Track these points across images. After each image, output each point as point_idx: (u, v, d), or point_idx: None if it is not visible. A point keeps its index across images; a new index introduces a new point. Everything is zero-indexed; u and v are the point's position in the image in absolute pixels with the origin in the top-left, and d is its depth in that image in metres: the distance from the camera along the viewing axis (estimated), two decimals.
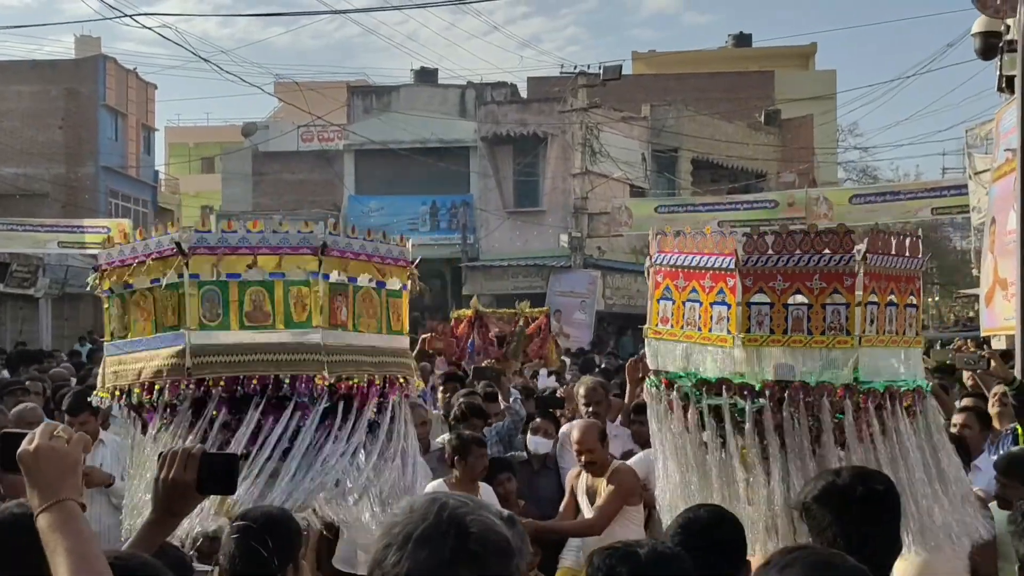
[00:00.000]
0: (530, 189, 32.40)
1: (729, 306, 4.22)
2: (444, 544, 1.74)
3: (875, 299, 4.21)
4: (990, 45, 13.43)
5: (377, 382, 4.26)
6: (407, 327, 4.65)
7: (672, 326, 4.50)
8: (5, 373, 14.36)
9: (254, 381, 3.95)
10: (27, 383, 10.14)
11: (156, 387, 4.00)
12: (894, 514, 3.30)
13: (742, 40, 48.35)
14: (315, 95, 30.94)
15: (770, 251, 4.17)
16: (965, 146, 23.00)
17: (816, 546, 2.96)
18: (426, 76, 36.80)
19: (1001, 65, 13.36)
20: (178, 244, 3.98)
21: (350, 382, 4.13)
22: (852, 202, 26.56)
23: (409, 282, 4.55)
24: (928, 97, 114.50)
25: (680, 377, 4.39)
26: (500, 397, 8.96)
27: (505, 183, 32.39)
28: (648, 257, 4.66)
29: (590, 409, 7.79)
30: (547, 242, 31.23)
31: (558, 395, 9.81)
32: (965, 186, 21.67)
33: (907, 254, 4.35)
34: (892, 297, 4.29)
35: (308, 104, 29.54)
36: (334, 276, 4.15)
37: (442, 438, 7.90)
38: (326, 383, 4.04)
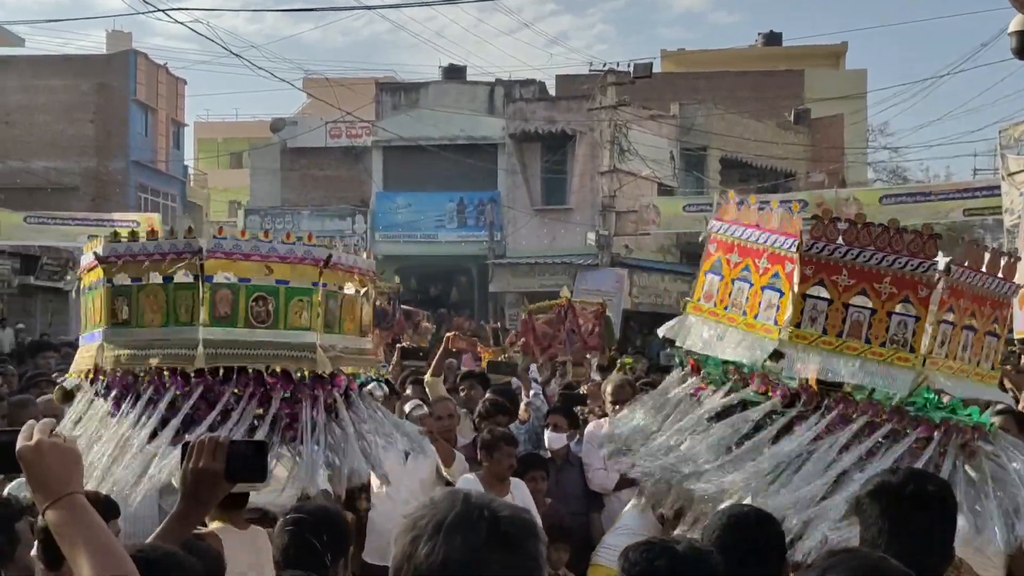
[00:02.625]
0: (558, 187, 32.34)
1: (782, 293, 3.86)
2: (478, 528, 1.74)
3: (951, 318, 3.84)
4: None
5: (348, 372, 4.64)
6: (372, 327, 5.11)
7: (715, 304, 4.13)
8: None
9: (268, 374, 4.30)
10: (53, 375, 10.19)
11: (165, 372, 4.30)
12: (944, 519, 3.17)
13: (772, 39, 48.05)
14: (344, 91, 31.01)
15: (840, 240, 3.81)
16: (998, 147, 22.75)
17: (862, 549, 2.91)
18: (454, 73, 36.79)
19: None
20: (200, 248, 4.32)
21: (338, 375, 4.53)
22: (882, 202, 26.34)
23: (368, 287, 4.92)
24: (961, 97, 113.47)
25: (708, 362, 4.14)
26: (523, 392, 8.92)
27: (533, 180, 32.34)
28: (786, 237, 4.19)
29: (616, 408, 7.74)
30: (574, 240, 31.16)
31: (581, 392, 9.76)
32: (998, 187, 21.45)
33: (1000, 275, 3.94)
34: (972, 321, 3.90)
35: (337, 100, 29.59)
36: (329, 287, 4.55)
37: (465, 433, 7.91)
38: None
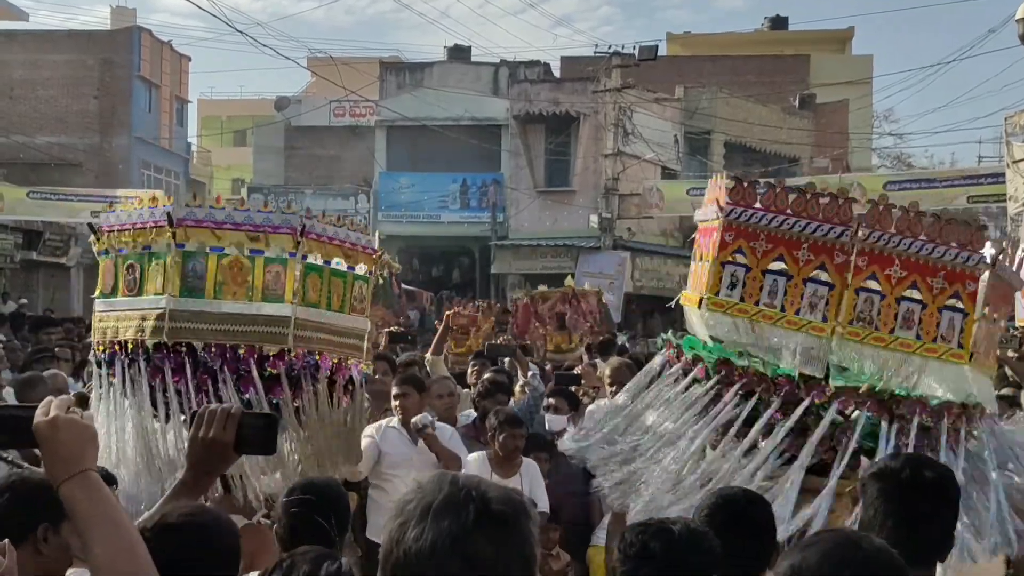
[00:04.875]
0: (561, 169, 32.29)
1: (832, 286, 3.71)
2: (466, 510, 1.72)
3: (874, 287, 3.78)
4: None
5: (334, 360, 4.52)
6: (368, 311, 4.87)
7: (744, 299, 3.88)
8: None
9: (239, 349, 4.21)
10: (56, 350, 10.20)
11: (129, 345, 4.26)
12: (942, 505, 3.16)
13: (778, 23, 47.87)
14: (348, 70, 30.92)
15: (758, 205, 3.75)
16: (1004, 134, 22.71)
17: (845, 529, 2.94)
18: (459, 53, 36.69)
19: None
20: (168, 215, 4.19)
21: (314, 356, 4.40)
22: (887, 189, 26.30)
23: (374, 268, 4.83)
24: (966, 84, 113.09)
25: (757, 360, 3.91)
26: (520, 373, 8.95)
27: (536, 162, 32.30)
28: (716, 207, 4.01)
29: (613, 389, 7.76)
30: (577, 222, 31.14)
31: (576, 372, 9.77)
32: (1002, 174, 21.44)
33: (930, 237, 3.77)
34: (913, 292, 3.82)
35: (341, 79, 29.53)
36: (311, 257, 4.40)
37: (466, 413, 7.92)
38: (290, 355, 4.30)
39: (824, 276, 3.75)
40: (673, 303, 4.41)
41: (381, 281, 14.56)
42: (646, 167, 31.31)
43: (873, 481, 3.17)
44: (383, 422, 6.98)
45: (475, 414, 7.78)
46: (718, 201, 3.79)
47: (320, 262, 4.42)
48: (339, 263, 4.54)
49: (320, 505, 3.56)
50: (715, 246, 3.78)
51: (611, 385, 7.81)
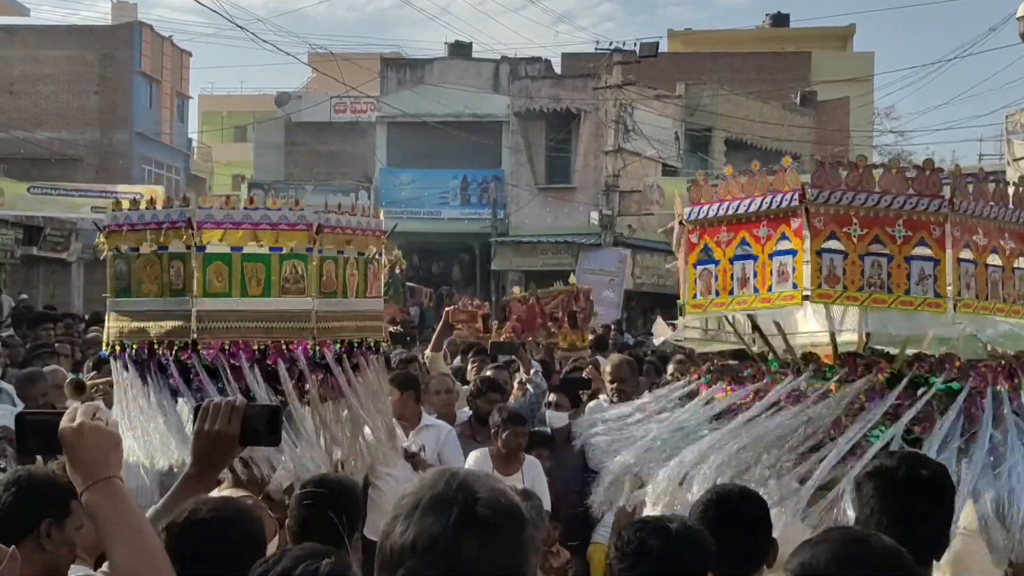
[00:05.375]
0: (562, 165, 32.29)
1: (795, 253, 3.61)
2: (451, 510, 1.69)
3: (970, 256, 3.72)
4: None
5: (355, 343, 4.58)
6: (382, 291, 4.93)
7: (717, 293, 3.84)
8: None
9: (255, 347, 4.24)
10: (56, 345, 10.20)
11: (159, 347, 4.27)
12: (937, 503, 3.15)
13: (779, 20, 47.85)
14: (349, 66, 30.91)
15: (844, 186, 3.60)
16: (1004, 132, 22.73)
17: (854, 527, 2.93)
18: (460, 49, 36.69)
19: None
20: (189, 219, 4.22)
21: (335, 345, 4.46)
22: None
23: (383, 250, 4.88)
24: (967, 82, 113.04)
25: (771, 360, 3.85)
26: (522, 370, 8.94)
27: (537, 159, 32.29)
28: (675, 218, 3.98)
29: (615, 386, 7.76)
30: (577, 219, 31.14)
31: (585, 376, 9.77)
32: (1003, 172, 21.42)
33: (1009, 203, 3.81)
34: (994, 258, 3.80)
35: (342, 75, 29.52)
36: (327, 251, 4.44)
37: (465, 410, 7.91)
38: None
39: (926, 251, 3.63)
40: (680, 313, 4.25)
41: (391, 279, 14.61)
42: (647, 164, 31.30)
43: (869, 480, 3.15)
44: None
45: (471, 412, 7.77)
46: (803, 188, 3.61)
47: (335, 253, 4.47)
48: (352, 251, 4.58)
49: (333, 501, 3.56)
50: (800, 235, 3.59)
51: (612, 382, 7.83)
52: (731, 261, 3.78)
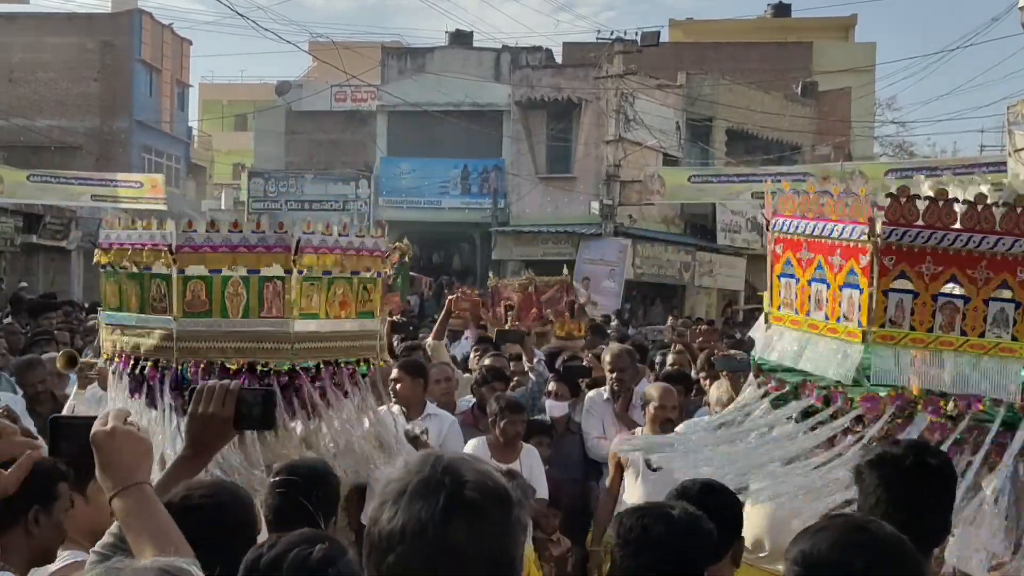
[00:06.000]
0: (562, 155, 32.23)
1: (861, 290, 3.44)
2: (438, 494, 1.68)
3: None
4: None
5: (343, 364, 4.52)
6: (377, 309, 4.84)
7: (796, 311, 3.72)
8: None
9: (231, 366, 4.22)
10: (55, 332, 10.20)
11: (148, 364, 4.32)
12: (945, 493, 3.14)
13: (781, 10, 47.70)
14: (350, 55, 30.84)
15: (920, 222, 3.41)
16: (1006, 123, 22.65)
17: (855, 514, 2.92)
18: (461, 38, 36.57)
19: None
20: (168, 246, 4.26)
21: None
22: (887, 177, 26.28)
23: (384, 269, 4.81)
24: (969, 72, 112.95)
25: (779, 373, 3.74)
26: (525, 359, 8.94)
27: (538, 148, 32.24)
28: (764, 219, 3.89)
29: (615, 375, 7.77)
30: (578, 209, 31.10)
31: (585, 364, 9.77)
32: (1004, 163, 21.39)
33: None
34: None
35: (343, 64, 29.46)
36: (307, 272, 4.37)
37: (466, 399, 7.91)
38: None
39: (1007, 293, 3.49)
40: (765, 321, 4.06)
41: (399, 268, 14.63)
42: (648, 154, 31.25)
43: (872, 468, 3.12)
44: (383, 408, 6.98)
45: (474, 400, 7.77)
46: (872, 223, 3.44)
47: (318, 274, 4.42)
48: (341, 271, 4.53)
49: (305, 487, 3.54)
50: (867, 272, 3.45)
51: (612, 371, 7.84)
52: (809, 283, 3.66)
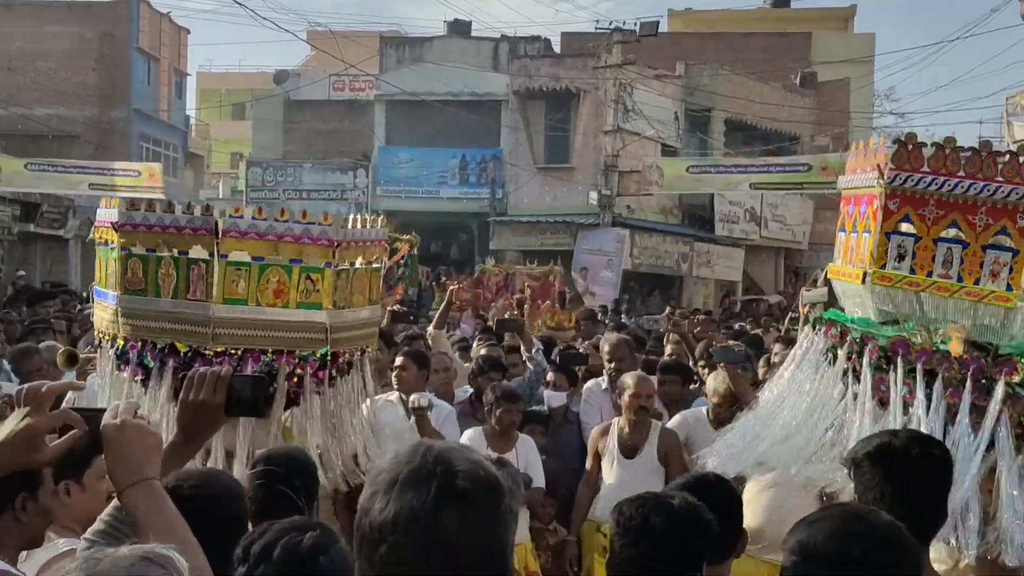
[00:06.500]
0: (561, 145, 32.20)
1: (1016, 252, 3.47)
2: (430, 484, 1.67)
3: None
4: None
5: (357, 353, 4.55)
6: (380, 296, 4.90)
7: (844, 262, 3.76)
8: None
9: (267, 353, 4.23)
10: (52, 321, 10.18)
11: (104, 338, 4.38)
12: (945, 483, 3.11)
13: (780, 0, 47.66)
14: (348, 44, 30.78)
15: (925, 168, 3.48)
16: (1004, 114, 22.64)
17: (852, 503, 2.90)
18: (459, 28, 36.50)
19: None
20: (113, 224, 4.25)
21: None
22: None
23: (385, 258, 4.89)
24: (968, 63, 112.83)
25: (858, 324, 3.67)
26: (523, 348, 8.95)
27: (536, 138, 32.20)
28: (875, 172, 3.79)
29: (613, 365, 7.77)
30: (576, 199, 31.08)
31: (582, 351, 9.78)
32: None
33: None
34: None
35: (341, 53, 29.41)
36: (341, 264, 4.39)
37: (464, 388, 7.92)
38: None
39: (1007, 242, 3.53)
40: (821, 278, 4.18)
41: (407, 260, 14.71)
42: (646, 144, 31.23)
43: (874, 463, 3.07)
44: (381, 396, 7.00)
45: (471, 390, 7.78)
46: (879, 167, 3.53)
47: (348, 265, 4.44)
48: (360, 262, 4.55)
49: (284, 475, 3.54)
50: (876, 215, 3.52)
51: (610, 361, 7.84)
52: (935, 241, 3.59)
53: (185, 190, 38.97)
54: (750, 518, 5.23)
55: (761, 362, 8.28)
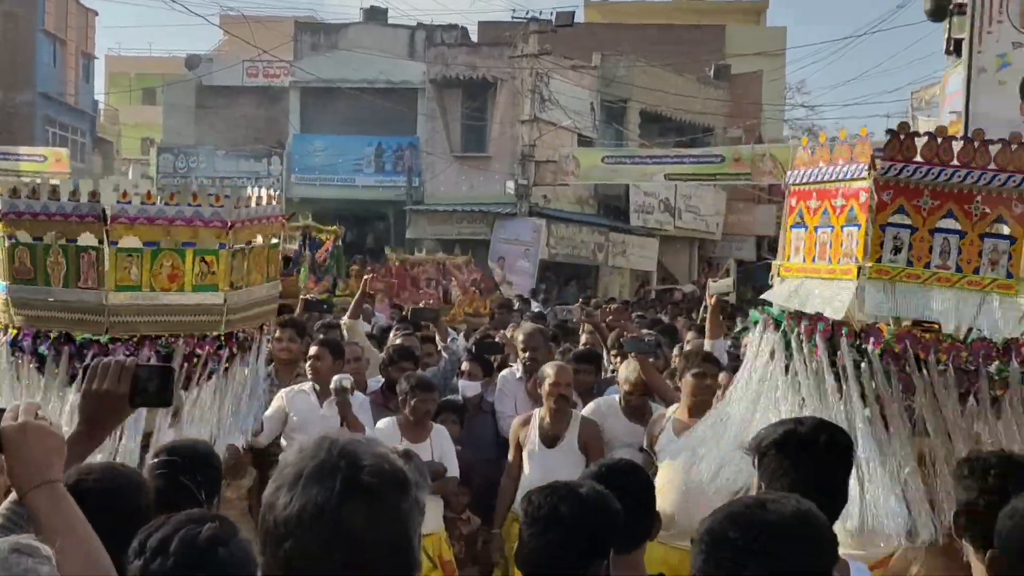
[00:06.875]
0: (477, 134, 32.16)
1: (1013, 240, 3.43)
2: (335, 478, 1.66)
3: None
4: (940, 7, 13.49)
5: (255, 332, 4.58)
6: (279, 273, 4.93)
7: (804, 259, 3.75)
8: None
9: (162, 339, 4.22)
10: None
11: (76, 337, 4.21)
12: (849, 471, 3.17)
13: None
14: (261, 29, 30.33)
15: (919, 158, 3.44)
16: (910, 108, 23.22)
17: (763, 493, 2.91)
18: (375, 15, 36.18)
19: (950, 27, 13.42)
20: (103, 212, 4.16)
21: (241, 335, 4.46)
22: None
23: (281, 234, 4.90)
24: (876, 58, 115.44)
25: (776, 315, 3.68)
26: (438, 338, 8.93)
27: (453, 127, 32.11)
28: (863, 165, 3.79)
29: (527, 355, 7.80)
30: (493, 188, 31.07)
31: (497, 340, 9.79)
32: None
33: None
34: None
35: (254, 38, 28.96)
36: (237, 244, 4.38)
37: (377, 378, 7.87)
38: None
39: (1005, 229, 3.53)
40: (774, 275, 4.02)
41: (335, 251, 14.68)
42: (562, 134, 31.34)
43: (780, 451, 3.08)
44: (295, 387, 6.94)
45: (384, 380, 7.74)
46: (873, 159, 3.48)
47: (244, 245, 4.42)
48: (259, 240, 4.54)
49: (184, 467, 3.48)
50: (865, 208, 3.48)
51: (524, 351, 7.86)
52: (815, 229, 3.70)
53: (93, 176, 38.09)
54: (662, 504, 5.28)
55: (675, 351, 8.37)
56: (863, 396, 3.55)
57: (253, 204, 4.48)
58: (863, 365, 3.54)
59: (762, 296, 4.12)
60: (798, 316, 3.71)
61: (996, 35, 7.32)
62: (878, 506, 3.53)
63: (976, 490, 3.08)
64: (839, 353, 3.58)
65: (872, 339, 3.51)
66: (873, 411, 3.57)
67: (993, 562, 2.84)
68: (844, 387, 3.58)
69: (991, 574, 2.84)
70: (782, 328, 3.74)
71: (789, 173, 3.90)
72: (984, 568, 2.84)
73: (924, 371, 3.49)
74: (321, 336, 7.97)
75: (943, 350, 3.48)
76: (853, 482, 3.32)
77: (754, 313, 3.99)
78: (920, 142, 3.46)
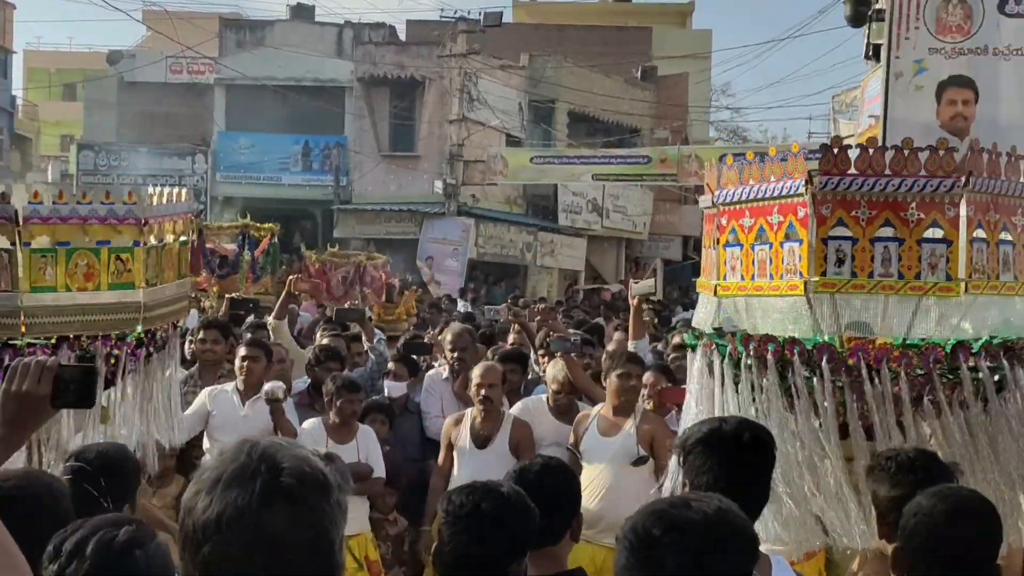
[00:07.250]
0: (405, 133, 32.04)
1: (949, 243, 3.51)
2: (254, 482, 1.64)
3: (983, 235, 3.61)
4: (860, 13, 13.73)
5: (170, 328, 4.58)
6: (189, 270, 4.91)
7: (742, 277, 3.77)
8: None
9: (82, 338, 4.16)
10: None
11: None
12: (771, 467, 3.21)
13: None
14: (186, 26, 29.89)
15: (853, 170, 3.51)
16: (831, 112, 23.66)
17: (691, 492, 2.94)
18: (302, 12, 35.84)
19: (869, 33, 13.68)
20: (15, 213, 4.09)
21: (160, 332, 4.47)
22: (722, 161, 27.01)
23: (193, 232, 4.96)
24: (798, 62, 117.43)
25: (718, 337, 3.73)
26: (364, 338, 8.88)
27: (381, 126, 31.95)
28: (708, 194, 3.91)
29: (455, 355, 7.79)
30: (421, 188, 31.00)
31: (426, 341, 9.77)
32: None
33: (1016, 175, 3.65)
34: (1005, 234, 3.67)
35: (177, 35, 28.51)
36: (151, 241, 4.36)
37: (303, 379, 7.81)
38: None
39: (939, 233, 3.58)
40: (706, 295, 4.02)
41: (271, 249, 14.56)
42: (491, 134, 31.38)
43: (705, 449, 3.12)
44: (218, 386, 6.87)
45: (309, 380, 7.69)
46: (810, 174, 3.53)
47: (158, 242, 4.38)
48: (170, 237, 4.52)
49: (93, 473, 3.41)
50: (806, 223, 3.52)
51: (452, 351, 7.85)
52: (752, 247, 3.72)
53: (11, 173, 37.19)
54: (588, 502, 5.31)
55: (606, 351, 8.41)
56: (815, 409, 3.62)
57: (164, 200, 4.44)
58: (815, 381, 3.61)
59: (694, 319, 4.15)
60: (745, 338, 3.75)
61: (913, 41, 7.48)
62: (824, 512, 3.62)
63: (893, 485, 3.16)
64: (791, 371, 3.64)
65: (825, 356, 3.58)
66: (826, 423, 3.63)
67: (896, 557, 2.91)
68: (796, 403, 3.65)
69: (895, 570, 2.90)
70: (726, 352, 3.78)
71: (716, 193, 3.91)
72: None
73: (876, 381, 3.57)
74: (250, 336, 7.89)
75: (893, 359, 3.56)
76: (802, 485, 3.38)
77: (689, 336, 4.00)
78: (853, 154, 3.52)
